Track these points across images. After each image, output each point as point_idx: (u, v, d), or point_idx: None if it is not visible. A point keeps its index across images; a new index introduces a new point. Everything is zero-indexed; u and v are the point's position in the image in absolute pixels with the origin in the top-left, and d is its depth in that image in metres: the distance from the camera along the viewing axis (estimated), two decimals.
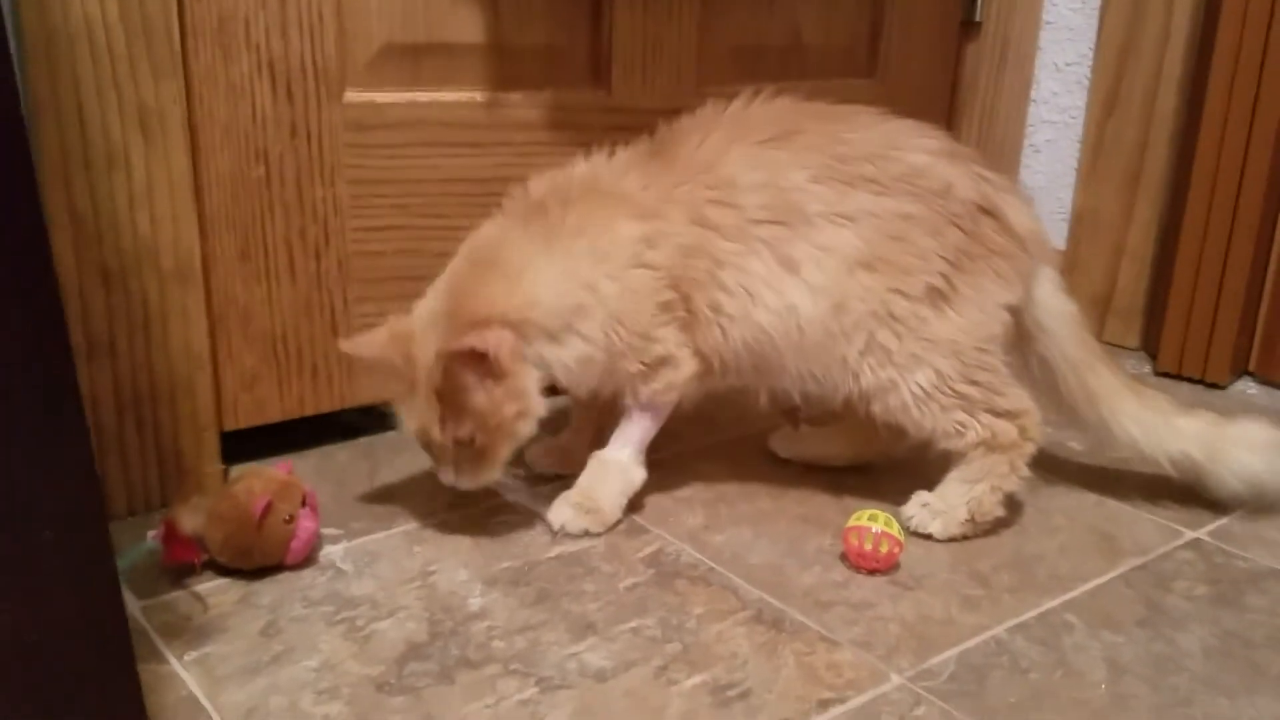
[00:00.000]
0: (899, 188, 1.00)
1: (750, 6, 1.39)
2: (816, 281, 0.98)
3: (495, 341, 0.93)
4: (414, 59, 1.16)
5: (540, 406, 0.99)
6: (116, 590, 0.59)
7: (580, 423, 1.17)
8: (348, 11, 1.09)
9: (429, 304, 1.00)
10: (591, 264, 0.99)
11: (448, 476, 1.01)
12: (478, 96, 1.21)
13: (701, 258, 0.99)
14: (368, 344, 0.99)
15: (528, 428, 0.99)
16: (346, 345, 1.00)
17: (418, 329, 0.98)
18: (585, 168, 1.04)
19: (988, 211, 1.01)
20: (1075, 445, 1.26)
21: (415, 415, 0.98)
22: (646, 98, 1.32)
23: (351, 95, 1.12)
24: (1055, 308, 1.07)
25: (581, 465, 1.14)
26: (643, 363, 1.01)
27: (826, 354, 1.00)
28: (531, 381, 0.98)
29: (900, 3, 1.54)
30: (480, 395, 0.95)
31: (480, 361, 0.93)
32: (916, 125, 1.05)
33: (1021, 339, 1.07)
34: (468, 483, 1.00)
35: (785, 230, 0.98)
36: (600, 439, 1.16)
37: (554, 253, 0.99)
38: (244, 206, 1.07)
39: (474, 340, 0.92)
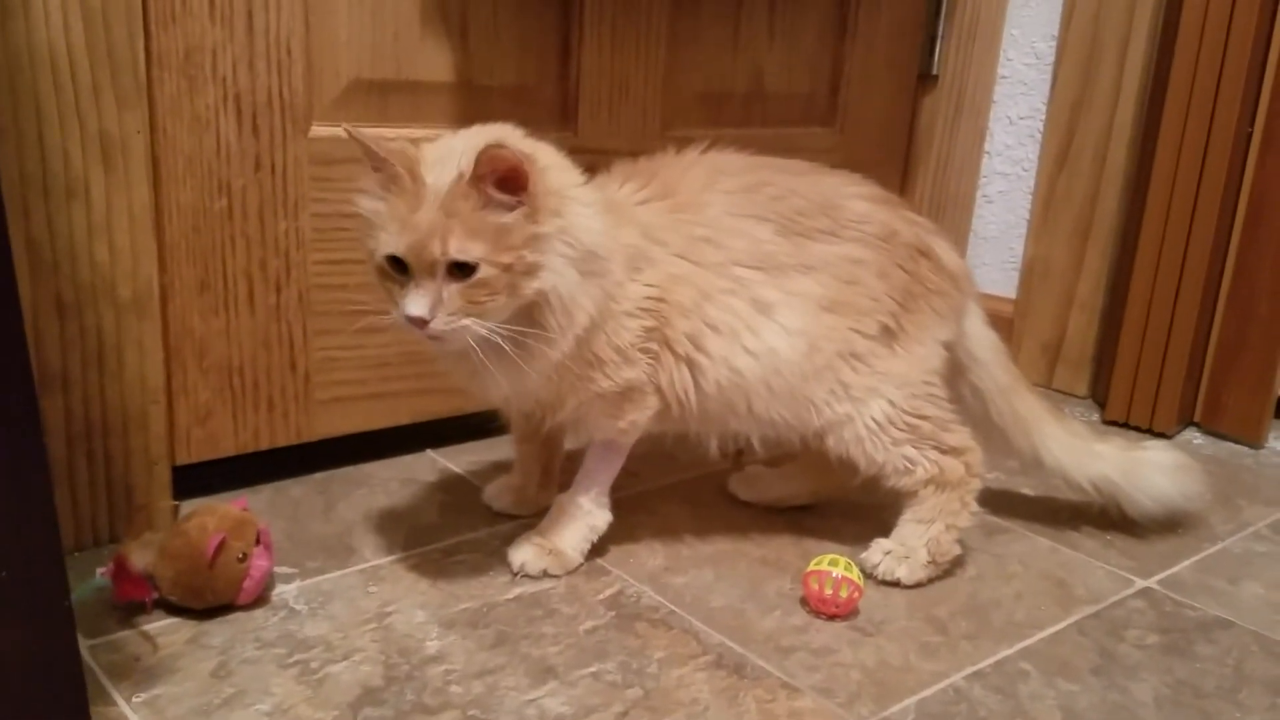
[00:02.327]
0: (849, 234, 1.02)
1: (715, 53, 1.42)
2: (792, 324, 0.99)
3: (544, 163, 0.87)
4: (382, 95, 1.16)
5: (559, 280, 0.87)
6: (72, 630, 0.57)
7: (525, 463, 1.16)
8: (316, 47, 1.09)
9: (445, 144, 0.91)
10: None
11: (418, 305, 0.84)
12: (445, 134, 1.21)
13: (688, 288, 0.98)
14: (374, 139, 0.88)
15: (534, 285, 0.86)
16: (350, 128, 0.89)
17: (428, 157, 0.88)
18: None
19: (923, 253, 1.05)
20: (1028, 491, 1.28)
21: (410, 230, 0.84)
22: (612, 139, 1.34)
23: (318, 129, 1.11)
24: (984, 338, 1.12)
25: (536, 506, 1.14)
26: (613, 383, 0.96)
27: (797, 395, 1.01)
28: (558, 242, 0.87)
29: (860, 54, 1.58)
30: (506, 217, 0.85)
31: (517, 180, 0.85)
32: (850, 175, 1.08)
33: (954, 371, 1.10)
34: (442, 321, 0.85)
35: (761, 274, 1.00)
36: (549, 478, 1.16)
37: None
38: (205, 238, 1.06)
39: (525, 148, 0.86)
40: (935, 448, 1.03)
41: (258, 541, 0.93)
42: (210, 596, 0.92)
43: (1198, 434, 1.52)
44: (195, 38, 1.01)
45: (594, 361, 0.95)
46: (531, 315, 0.89)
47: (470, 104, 1.22)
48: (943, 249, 1.06)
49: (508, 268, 0.85)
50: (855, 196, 1.03)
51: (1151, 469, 1.14)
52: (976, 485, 1.05)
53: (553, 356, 0.91)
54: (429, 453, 1.30)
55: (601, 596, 1.00)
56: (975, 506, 1.05)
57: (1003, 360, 1.13)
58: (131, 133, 0.96)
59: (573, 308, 0.89)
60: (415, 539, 1.09)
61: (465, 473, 1.26)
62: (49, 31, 0.91)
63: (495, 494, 1.17)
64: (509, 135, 0.92)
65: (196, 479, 1.12)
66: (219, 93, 1.04)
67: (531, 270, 0.86)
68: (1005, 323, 1.61)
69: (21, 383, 0.53)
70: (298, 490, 1.18)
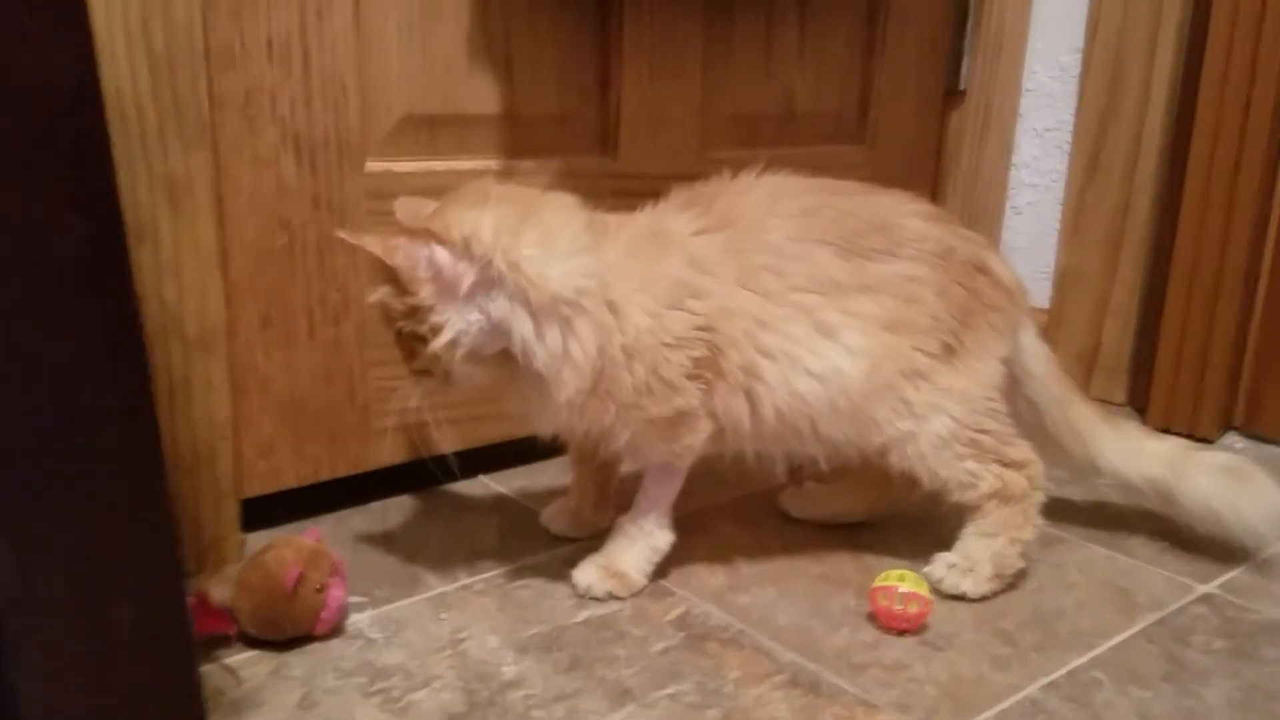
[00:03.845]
0: (906, 253, 1.03)
1: (747, 76, 1.43)
2: (854, 344, 1.00)
3: (391, 246, 0.91)
4: (431, 129, 1.18)
5: (464, 353, 0.94)
6: (195, 666, 0.59)
7: (581, 486, 1.17)
8: (369, 84, 1.11)
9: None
10: (629, 284, 0.96)
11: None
12: (492, 164, 1.23)
13: (741, 319, 0.99)
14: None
15: (449, 355, 0.93)
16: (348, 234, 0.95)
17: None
18: (643, 215, 1.04)
19: (980, 269, 1.06)
20: (1078, 500, 1.28)
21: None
22: (652, 163, 1.35)
23: (372, 165, 1.13)
24: (1037, 351, 1.13)
25: (593, 528, 1.15)
26: (663, 411, 0.98)
27: (860, 415, 1.02)
28: (449, 311, 0.92)
29: (888, 72, 1.60)
30: (395, 303, 0.93)
31: (385, 267, 0.92)
32: (903, 194, 1.09)
33: (1010, 386, 1.11)
34: (420, 383, 0.97)
35: (822, 298, 1.01)
36: (605, 500, 1.17)
37: (593, 245, 0.95)
38: (267, 275, 1.08)
39: (368, 240, 0.92)
40: (998, 461, 1.04)
41: (333, 572, 0.95)
42: (289, 628, 0.93)
43: (1239, 438, 1.52)
44: (254, 79, 1.03)
45: (642, 390, 0.97)
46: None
47: (515, 134, 1.24)
48: (998, 264, 1.07)
49: (414, 334, 0.94)
50: (911, 215, 1.05)
51: (1207, 474, 1.13)
52: (1039, 498, 1.06)
53: (559, 396, 0.95)
54: (481, 478, 1.32)
55: (669, 617, 1.01)
56: (1039, 519, 1.06)
57: (1055, 372, 1.14)
58: (197, 174, 0.98)
59: (538, 350, 0.93)
60: (478, 564, 1.10)
61: (518, 496, 1.28)
62: (117, 78, 0.93)
63: (552, 517, 1.18)
64: (410, 211, 0.97)
65: (259, 512, 1.13)
66: (278, 132, 1.06)
67: (436, 331, 0.93)
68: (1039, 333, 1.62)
69: (146, 423, 0.54)
70: (357, 520, 1.20)
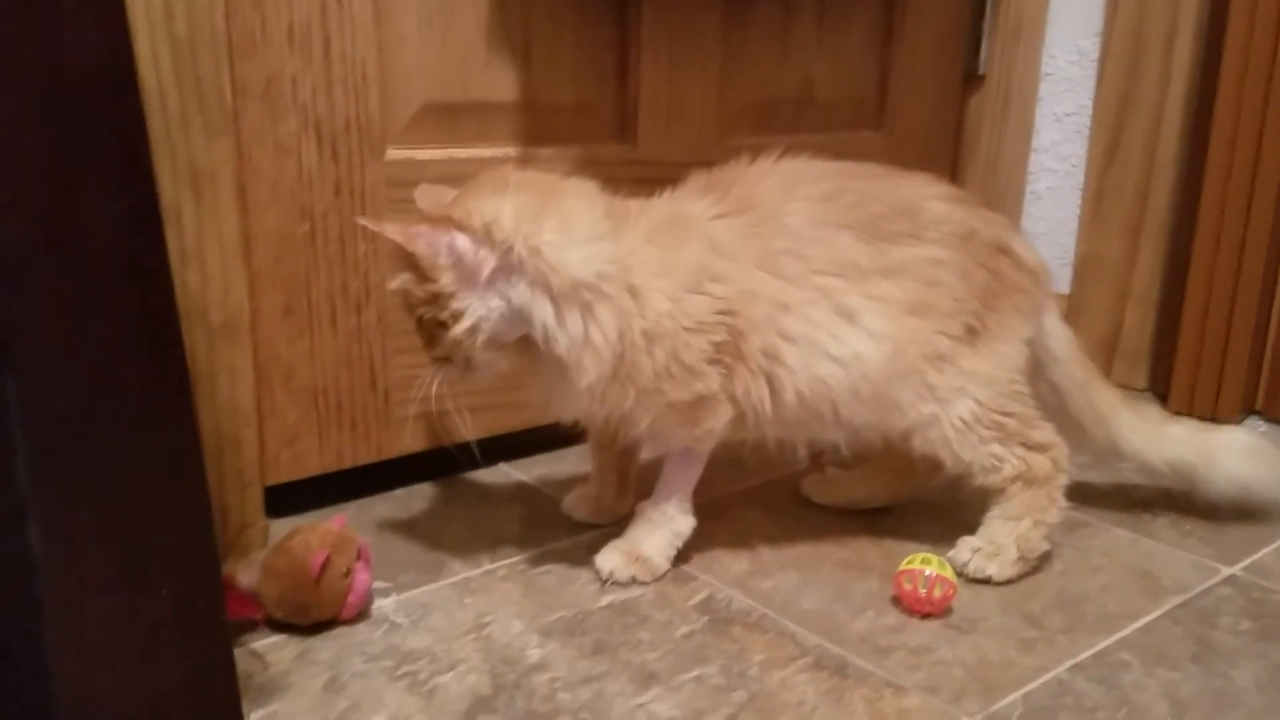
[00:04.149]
0: (929, 236, 1.03)
1: (766, 63, 1.43)
2: (876, 328, 1.00)
3: (412, 233, 0.91)
4: (450, 117, 1.18)
5: (483, 316, 0.93)
6: (229, 646, 0.59)
7: (602, 473, 1.17)
8: (389, 73, 1.11)
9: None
10: (649, 269, 0.95)
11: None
12: (511, 152, 1.23)
13: (762, 303, 0.99)
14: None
15: (470, 342, 0.94)
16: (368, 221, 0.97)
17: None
18: (662, 200, 1.04)
19: (1003, 251, 1.05)
20: (1100, 484, 1.28)
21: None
22: (670, 151, 1.35)
23: (393, 153, 1.13)
24: (1060, 334, 1.13)
25: (614, 515, 1.15)
26: (683, 395, 0.98)
27: (883, 399, 1.02)
28: (470, 298, 0.93)
29: (906, 57, 1.59)
30: (416, 290, 0.94)
31: (406, 254, 0.93)
32: (925, 176, 1.09)
33: (1033, 369, 1.11)
34: (441, 369, 0.97)
35: (843, 282, 1.00)
36: (625, 486, 1.17)
37: (613, 231, 0.95)
38: (289, 263, 1.08)
39: (389, 227, 0.92)
40: (1022, 444, 1.03)
41: (358, 557, 0.95)
42: (315, 613, 0.93)
43: (1261, 422, 1.52)
44: (276, 66, 1.03)
45: (662, 375, 0.96)
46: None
47: (533, 122, 1.24)
48: (1021, 246, 1.06)
49: (436, 320, 0.94)
50: (933, 198, 1.04)
51: (1229, 451, 1.15)
52: (1063, 480, 1.05)
53: (580, 382, 0.94)
54: (502, 466, 1.32)
55: (692, 602, 1.02)
56: (1063, 502, 1.05)
57: (1077, 355, 1.13)
58: (220, 162, 0.98)
59: (559, 335, 0.93)
60: (501, 550, 1.10)
61: (539, 484, 1.28)
62: (140, 65, 0.93)
63: (574, 504, 1.18)
64: (431, 199, 0.98)
65: (282, 499, 1.13)
66: (299, 120, 1.06)
67: (456, 318, 0.93)
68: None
69: (182, 405, 0.54)
70: (381, 507, 1.20)
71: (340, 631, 0.95)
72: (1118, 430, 1.14)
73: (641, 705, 0.85)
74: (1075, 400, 1.12)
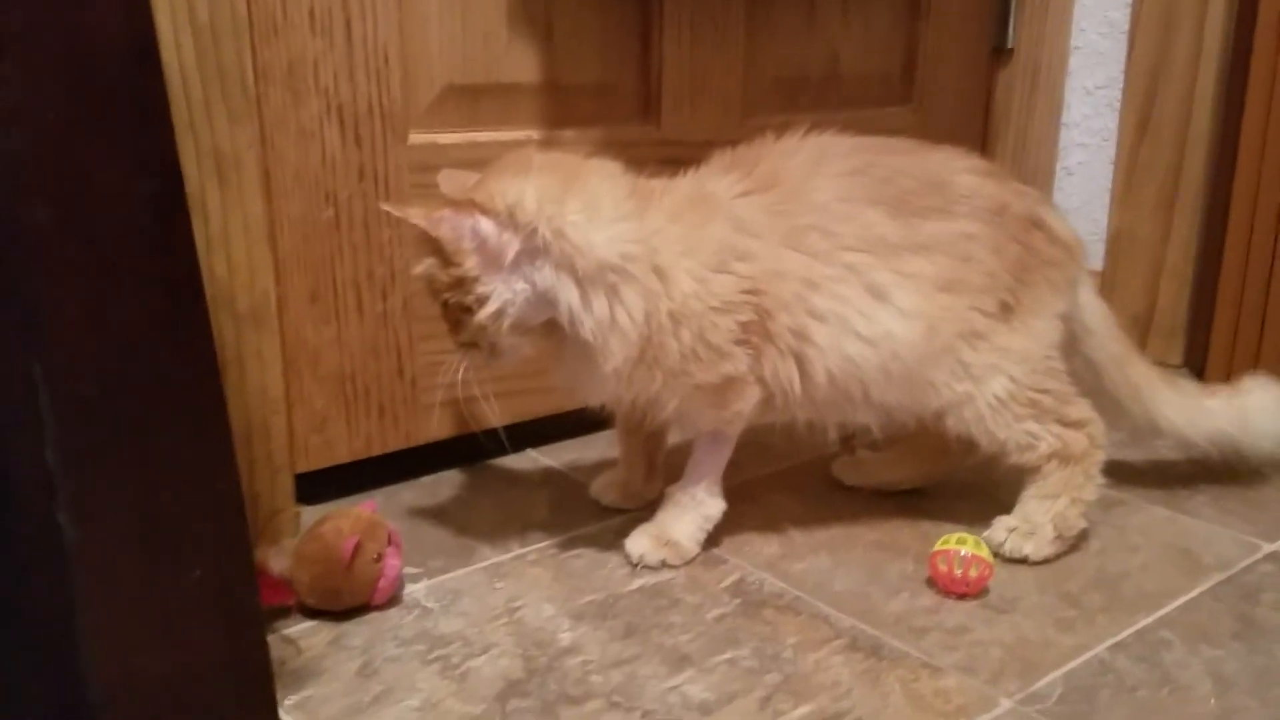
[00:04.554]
0: (960, 211, 1.01)
1: (791, 38, 1.41)
2: (907, 305, 0.98)
3: (436, 218, 0.91)
4: (473, 100, 1.17)
5: (510, 324, 0.93)
6: (261, 627, 0.59)
7: (630, 457, 1.16)
8: (411, 54, 1.11)
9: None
10: (675, 249, 0.94)
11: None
12: (534, 134, 1.22)
13: (790, 281, 0.97)
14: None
15: (496, 326, 0.93)
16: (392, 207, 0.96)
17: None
18: (685, 179, 1.03)
19: (1036, 224, 1.04)
20: (1136, 462, 1.26)
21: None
22: (695, 130, 1.34)
23: (415, 137, 1.13)
24: (1095, 308, 1.11)
25: (642, 499, 1.14)
26: (710, 377, 0.96)
27: (916, 379, 1.00)
28: (494, 282, 0.92)
29: (933, 31, 1.57)
30: (440, 275, 0.93)
31: (429, 239, 0.92)
32: (954, 150, 1.07)
33: (1068, 344, 1.09)
34: (467, 355, 0.97)
35: (873, 258, 0.99)
36: (653, 471, 1.16)
37: (637, 211, 0.94)
38: (314, 249, 1.08)
39: (412, 212, 0.92)
40: (1058, 421, 1.02)
41: (389, 542, 0.95)
42: (347, 598, 0.93)
43: None
44: (297, 50, 1.03)
45: (689, 356, 0.95)
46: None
47: (556, 103, 1.23)
48: (1054, 219, 1.04)
49: (460, 305, 0.94)
50: (963, 171, 1.02)
51: (1260, 414, 1.13)
52: (1100, 457, 1.04)
53: (607, 365, 0.93)
54: (530, 452, 1.31)
55: (723, 585, 1.01)
56: (1100, 479, 1.04)
57: (1113, 329, 1.11)
58: (243, 147, 0.98)
59: (585, 318, 0.92)
60: (530, 535, 1.10)
61: (567, 470, 1.27)
62: (162, 50, 0.92)
63: (602, 489, 1.18)
64: (454, 183, 0.97)
65: (312, 487, 1.13)
66: (322, 104, 1.05)
67: (480, 301, 0.92)
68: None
69: (210, 384, 0.54)
70: (409, 494, 1.20)
71: (372, 617, 0.95)
72: (1155, 406, 1.12)
73: (674, 687, 0.85)
74: (1111, 376, 1.11)
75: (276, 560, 0.93)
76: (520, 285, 0.93)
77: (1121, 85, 1.62)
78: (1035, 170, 1.71)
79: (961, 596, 0.97)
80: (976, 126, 1.69)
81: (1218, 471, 1.17)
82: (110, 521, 0.51)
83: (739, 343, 0.97)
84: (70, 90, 0.47)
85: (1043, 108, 1.69)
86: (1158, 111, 1.58)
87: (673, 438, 1.15)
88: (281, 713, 0.82)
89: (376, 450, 1.18)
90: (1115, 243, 1.66)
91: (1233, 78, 1.48)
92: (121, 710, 0.52)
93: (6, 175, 0.45)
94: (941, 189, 1.01)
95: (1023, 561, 1.02)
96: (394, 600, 0.97)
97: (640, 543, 1.04)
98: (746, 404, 1.01)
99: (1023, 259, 1.01)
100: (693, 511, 1.06)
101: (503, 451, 1.29)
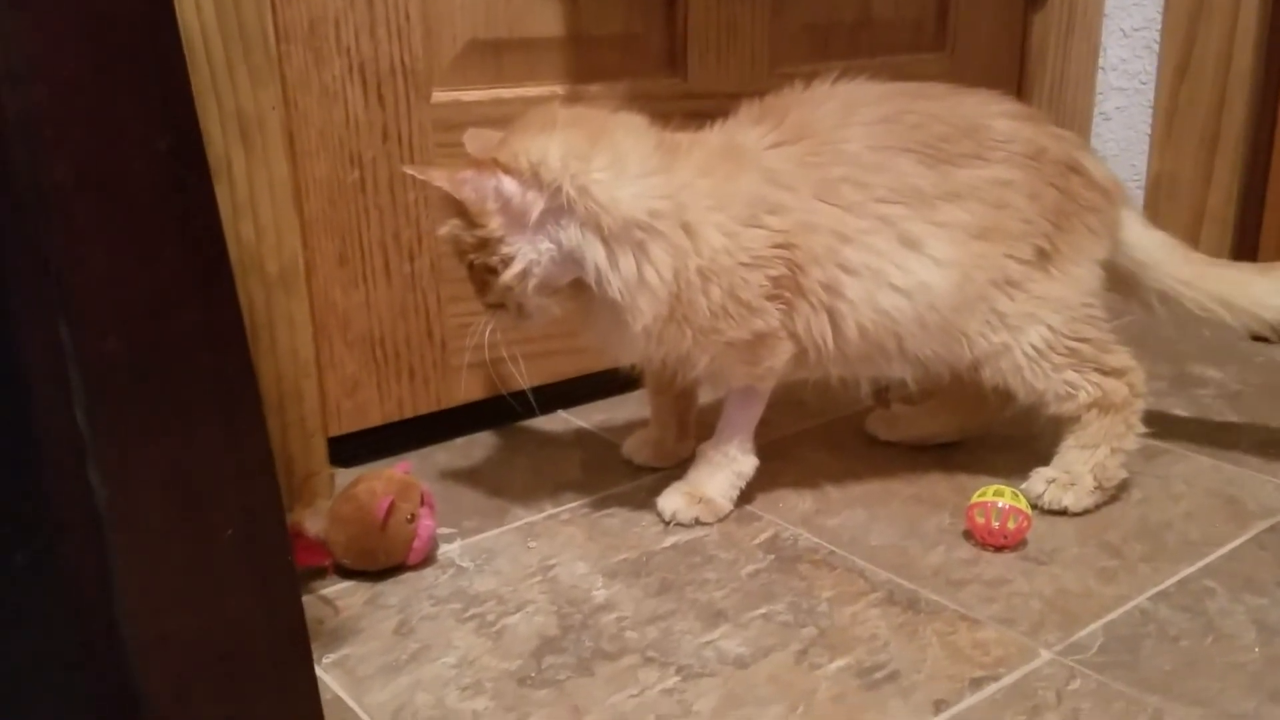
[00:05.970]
0: (995, 156, 0.99)
1: None
2: (942, 255, 0.96)
3: (459, 179, 0.90)
4: (496, 55, 1.16)
5: (536, 284, 0.92)
6: (296, 587, 0.59)
7: (661, 416, 1.15)
8: (432, 11, 1.09)
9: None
10: (703, 204, 0.92)
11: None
12: (558, 89, 1.20)
13: (822, 234, 0.96)
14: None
15: (521, 287, 0.92)
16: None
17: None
18: (714, 132, 1.01)
19: (1074, 169, 1.01)
20: (1180, 411, 1.24)
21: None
22: (722, 82, 1.32)
23: (439, 95, 1.11)
24: (1149, 241, 1.07)
25: (675, 458, 1.14)
26: (742, 333, 0.95)
27: (951, 329, 0.98)
28: (519, 242, 0.91)
29: None
30: (465, 236, 0.92)
31: (453, 200, 0.91)
32: (989, 94, 1.04)
33: (1128, 286, 1.06)
34: (494, 316, 0.97)
35: (906, 209, 0.97)
36: (685, 429, 1.15)
37: (664, 166, 0.93)
38: (340, 211, 1.08)
39: (435, 174, 0.91)
40: (1097, 370, 0.99)
41: (423, 502, 0.95)
42: (383, 558, 0.94)
43: None
44: (318, 8, 1.02)
45: (719, 313, 0.94)
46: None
47: (581, 57, 1.21)
48: (1093, 163, 1.02)
49: (486, 265, 0.92)
50: (999, 115, 1.00)
51: None
52: (1140, 406, 1.01)
53: (636, 324, 0.92)
54: (560, 413, 1.31)
55: (758, 541, 1.00)
56: (1141, 428, 1.02)
57: (1179, 253, 1.07)
58: (267, 109, 0.97)
59: (612, 277, 0.90)
60: (563, 495, 1.10)
61: (598, 430, 1.27)
62: (182, 13, 0.92)
63: (634, 448, 1.17)
64: (480, 143, 0.95)
65: (345, 450, 1.14)
66: (344, 63, 1.04)
67: (505, 263, 0.91)
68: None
69: (235, 346, 0.54)
70: (441, 456, 1.20)
71: (408, 576, 0.95)
72: (1255, 302, 1.05)
73: (710, 642, 0.84)
74: (1191, 297, 1.06)
75: (312, 522, 0.93)
76: (546, 245, 0.92)
77: (1160, 26, 1.58)
78: (1073, 116, 1.67)
79: (999, 549, 0.95)
80: (1011, 72, 1.65)
81: (1263, 418, 1.14)
82: (141, 481, 0.51)
83: (770, 298, 0.95)
84: (87, 45, 0.46)
85: (1079, 51, 1.65)
86: (1198, 52, 1.53)
87: (704, 395, 1.15)
88: (320, 670, 0.83)
89: (408, 413, 1.18)
90: (1155, 188, 1.62)
91: (1276, 14, 1.43)
92: (157, 670, 0.52)
93: (26, 132, 0.45)
94: (976, 134, 0.98)
95: (1062, 513, 1.01)
96: (429, 560, 0.97)
97: (673, 500, 1.04)
98: (778, 360, 1.00)
99: (1060, 204, 0.99)
100: (726, 469, 1.05)
101: (534, 413, 1.28)
